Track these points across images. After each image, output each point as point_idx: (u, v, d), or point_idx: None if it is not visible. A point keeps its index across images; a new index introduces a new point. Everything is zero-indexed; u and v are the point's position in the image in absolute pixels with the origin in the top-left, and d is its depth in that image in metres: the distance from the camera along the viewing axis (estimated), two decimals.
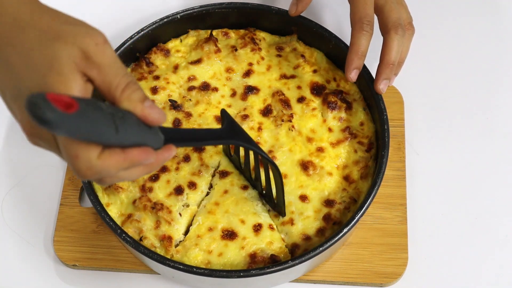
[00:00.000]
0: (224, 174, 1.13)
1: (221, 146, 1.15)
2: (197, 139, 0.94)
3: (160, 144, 0.84)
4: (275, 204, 1.09)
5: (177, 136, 0.89)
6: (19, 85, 0.79)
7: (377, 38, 1.13)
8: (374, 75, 1.14)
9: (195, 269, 1.02)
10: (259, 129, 1.17)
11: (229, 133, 1.00)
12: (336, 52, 1.20)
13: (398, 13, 1.12)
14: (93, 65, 0.79)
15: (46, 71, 0.77)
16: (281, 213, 1.09)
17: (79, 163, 0.77)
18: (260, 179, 1.10)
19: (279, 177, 1.03)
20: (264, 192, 1.10)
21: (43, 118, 0.69)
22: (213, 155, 1.14)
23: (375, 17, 1.14)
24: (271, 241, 1.07)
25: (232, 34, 1.26)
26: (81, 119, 0.72)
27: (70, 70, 0.77)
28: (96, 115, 0.74)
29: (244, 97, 1.19)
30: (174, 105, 1.18)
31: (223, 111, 1.03)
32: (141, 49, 1.23)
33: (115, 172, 0.79)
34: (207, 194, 1.13)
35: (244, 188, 1.12)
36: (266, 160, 1.04)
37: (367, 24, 1.11)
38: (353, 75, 1.13)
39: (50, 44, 0.78)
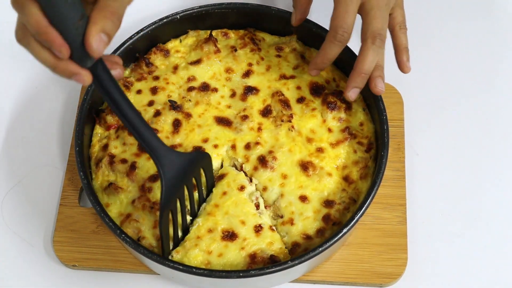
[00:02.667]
0: (220, 178, 1.13)
1: (220, 149, 1.15)
2: (125, 115, 0.95)
3: (83, 65, 0.86)
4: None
5: (107, 83, 0.91)
6: None
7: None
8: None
9: (194, 270, 1.02)
10: (259, 129, 1.17)
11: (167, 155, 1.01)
12: None
13: (381, 22, 1.09)
14: None
15: None
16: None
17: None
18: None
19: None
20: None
21: None
22: (212, 157, 1.14)
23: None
24: (272, 242, 1.07)
25: (232, 34, 1.26)
26: None
27: None
28: None
29: (243, 97, 1.19)
30: (174, 106, 1.17)
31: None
32: (140, 49, 1.23)
33: (31, 30, 0.83)
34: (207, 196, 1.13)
35: (241, 188, 1.12)
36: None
37: (341, 34, 1.08)
38: (313, 72, 1.16)
39: None
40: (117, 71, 0.93)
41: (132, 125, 0.96)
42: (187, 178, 1.05)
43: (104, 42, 0.85)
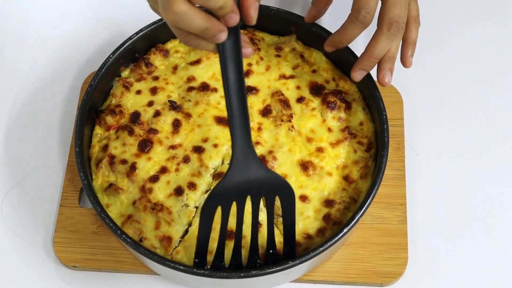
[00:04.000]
0: (219, 176, 1.13)
1: (220, 148, 1.15)
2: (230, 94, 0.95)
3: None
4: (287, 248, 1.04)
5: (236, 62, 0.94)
6: None
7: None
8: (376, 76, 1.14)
9: (195, 270, 1.02)
10: (259, 129, 1.17)
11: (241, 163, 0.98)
12: (335, 52, 1.20)
13: (399, 10, 1.09)
14: None
15: None
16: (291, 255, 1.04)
17: None
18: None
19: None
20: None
21: None
22: (213, 156, 1.14)
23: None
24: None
25: None
26: None
27: None
28: None
29: None
30: (174, 106, 1.17)
31: None
32: (140, 49, 1.23)
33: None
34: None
35: None
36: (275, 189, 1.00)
37: (363, 15, 1.08)
38: (329, 49, 1.16)
39: None
40: (249, 50, 0.95)
41: (229, 109, 0.95)
42: (244, 194, 0.99)
43: (258, 9, 0.91)
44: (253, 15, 0.91)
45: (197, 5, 0.87)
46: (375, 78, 1.15)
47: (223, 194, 0.99)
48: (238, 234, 1.03)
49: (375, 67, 1.13)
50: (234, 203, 1.00)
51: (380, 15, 1.10)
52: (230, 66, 0.94)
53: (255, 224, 1.03)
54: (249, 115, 0.96)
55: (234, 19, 0.90)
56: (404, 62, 1.16)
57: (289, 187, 1.02)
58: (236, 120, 0.95)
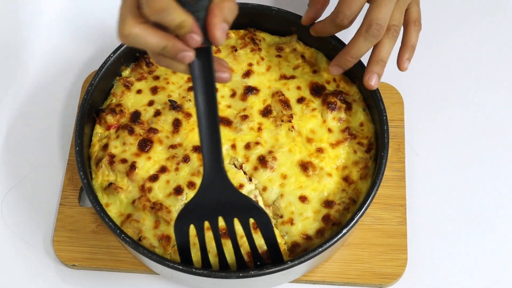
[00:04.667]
0: None
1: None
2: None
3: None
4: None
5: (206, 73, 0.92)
6: None
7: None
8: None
9: (194, 269, 1.02)
10: (259, 129, 1.17)
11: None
12: (335, 53, 1.20)
13: (383, 12, 1.06)
14: None
15: None
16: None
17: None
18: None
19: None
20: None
21: None
22: None
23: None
24: None
25: (232, 34, 1.26)
26: None
27: None
28: None
29: (243, 97, 1.19)
30: (174, 106, 1.17)
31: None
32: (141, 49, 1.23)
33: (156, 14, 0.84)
34: None
35: (240, 187, 1.12)
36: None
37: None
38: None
39: None
40: (226, 75, 0.94)
41: (199, 131, 0.94)
42: (215, 214, 1.00)
43: (226, 31, 0.88)
44: (218, 36, 0.87)
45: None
46: None
47: (193, 214, 1.00)
48: (219, 250, 1.03)
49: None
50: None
51: (365, 16, 1.08)
52: (199, 88, 0.93)
53: (236, 245, 1.03)
54: (220, 138, 0.94)
55: (195, 40, 0.87)
56: (399, 65, 1.14)
57: (262, 212, 1.01)
58: (205, 142, 0.95)
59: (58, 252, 1.17)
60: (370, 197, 1.06)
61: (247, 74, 1.21)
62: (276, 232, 1.09)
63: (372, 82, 1.10)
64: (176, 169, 1.13)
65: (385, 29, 1.07)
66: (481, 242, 1.19)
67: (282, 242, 1.08)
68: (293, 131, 1.16)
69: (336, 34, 1.19)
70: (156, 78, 1.21)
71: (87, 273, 1.18)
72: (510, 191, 1.24)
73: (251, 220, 1.02)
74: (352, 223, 1.04)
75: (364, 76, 1.11)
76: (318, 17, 1.18)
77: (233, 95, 1.20)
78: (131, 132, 1.16)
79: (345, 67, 1.12)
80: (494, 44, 1.38)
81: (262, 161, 1.13)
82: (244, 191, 1.11)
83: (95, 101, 1.18)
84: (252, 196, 1.11)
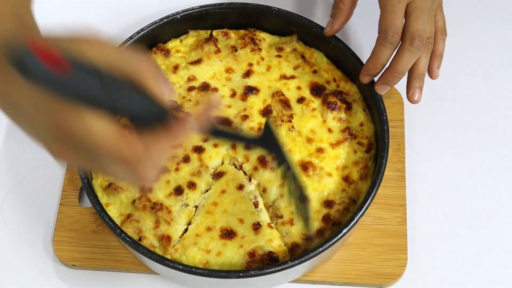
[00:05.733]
0: (219, 175, 1.13)
1: (220, 148, 1.15)
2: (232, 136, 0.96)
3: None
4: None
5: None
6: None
7: None
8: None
9: (194, 269, 1.02)
10: (259, 129, 1.17)
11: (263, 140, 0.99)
12: (336, 53, 1.20)
13: (422, 24, 1.08)
14: None
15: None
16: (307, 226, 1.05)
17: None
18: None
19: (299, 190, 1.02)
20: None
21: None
22: (213, 155, 1.14)
23: None
24: (271, 239, 1.07)
25: (232, 34, 1.26)
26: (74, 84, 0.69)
27: None
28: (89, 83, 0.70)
29: (244, 97, 1.19)
30: (174, 106, 1.17)
31: (266, 124, 1.00)
32: (141, 49, 1.23)
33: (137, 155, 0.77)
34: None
35: (240, 187, 1.12)
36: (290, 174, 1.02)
37: (391, 36, 1.08)
38: (366, 79, 1.14)
39: None
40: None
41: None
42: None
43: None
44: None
45: None
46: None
47: None
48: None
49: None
50: None
51: (404, 31, 1.09)
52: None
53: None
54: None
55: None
56: (431, 74, 1.16)
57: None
58: None
59: (58, 252, 1.17)
60: (370, 197, 1.06)
61: (247, 74, 1.22)
62: (276, 233, 1.09)
63: (415, 97, 1.13)
64: (176, 169, 1.13)
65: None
66: (481, 242, 1.19)
67: (282, 243, 1.08)
68: (293, 131, 1.16)
69: (336, 34, 1.20)
70: None
71: (87, 273, 1.18)
72: (510, 191, 1.24)
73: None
74: (352, 223, 1.04)
75: (407, 92, 1.13)
76: (341, 29, 1.18)
77: (233, 95, 1.20)
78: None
79: (392, 84, 1.13)
80: (495, 44, 1.38)
81: (262, 161, 1.13)
82: (244, 191, 1.12)
83: None
84: (252, 197, 1.11)
